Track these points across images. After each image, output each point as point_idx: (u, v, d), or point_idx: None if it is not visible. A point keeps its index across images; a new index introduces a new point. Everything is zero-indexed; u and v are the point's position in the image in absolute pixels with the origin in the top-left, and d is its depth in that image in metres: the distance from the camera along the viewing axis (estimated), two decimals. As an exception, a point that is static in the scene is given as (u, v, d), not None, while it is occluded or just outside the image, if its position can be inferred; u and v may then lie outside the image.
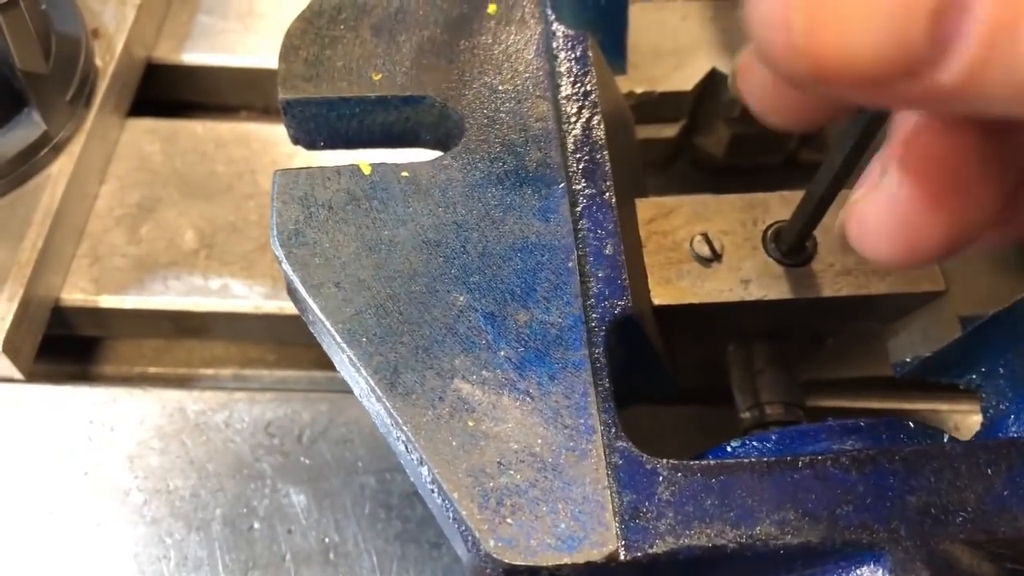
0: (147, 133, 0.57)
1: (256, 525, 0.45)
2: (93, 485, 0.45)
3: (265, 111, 0.63)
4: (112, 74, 0.55)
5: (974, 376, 0.41)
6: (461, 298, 0.35)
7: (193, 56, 0.60)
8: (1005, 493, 0.33)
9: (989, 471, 0.33)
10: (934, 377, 0.42)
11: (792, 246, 0.40)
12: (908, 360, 0.42)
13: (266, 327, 0.52)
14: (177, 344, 0.56)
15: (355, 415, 0.48)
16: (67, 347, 0.54)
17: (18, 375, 0.48)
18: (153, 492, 0.45)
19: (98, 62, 0.55)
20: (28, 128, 0.51)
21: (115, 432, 0.47)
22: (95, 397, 0.48)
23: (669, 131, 0.52)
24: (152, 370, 0.55)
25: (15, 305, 0.47)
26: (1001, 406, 0.40)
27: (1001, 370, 0.40)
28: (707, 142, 0.54)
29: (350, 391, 0.46)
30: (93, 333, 0.54)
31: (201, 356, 0.56)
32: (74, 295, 0.51)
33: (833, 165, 0.34)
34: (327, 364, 0.54)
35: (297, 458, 0.46)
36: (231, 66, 0.60)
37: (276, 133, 0.57)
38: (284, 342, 0.55)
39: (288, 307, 0.51)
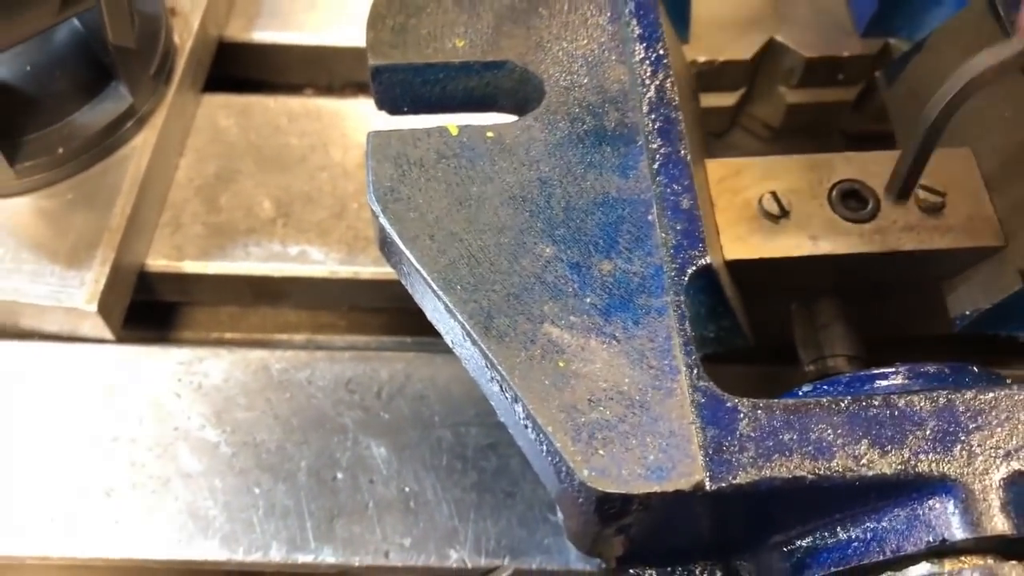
0: (222, 108, 0.59)
1: (339, 476, 0.47)
2: (184, 439, 0.48)
3: (328, 88, 0.65)
4: (189, 51, 0.58)
5: (1032, 329, 0.42)
6: (548, 249, 0.37)
7: (262, 35, 0.63)
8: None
9: (1054, 409, 0.35)
10: (994, 330, 0.43)
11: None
12: (968, 313, 0.43)
13: (341, 292, 0.54)
14: (252, 311, 0.58)
15: (430, 373, 0.50)
16: (148, 314, 0.57)
17: (109, 336, 0.50)
18: (241, 445, 0.48)
19: (176, 40, 0.57)
20: (116, 101, 0.53)
21: (202, 389, 0.49)
22: (182, 356, 0.50)
23: (729, 99, 0.53)
24: (229, 335, 0.58)
25: (107, 269, 0.49)
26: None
27: (1062, 322, 0.41)
28: (764, 111, 0.55)
29: (424, 351, 0.49)
30: (175, 299, 0.57)
31: (275, 322, 0.58)
32: (159, 261, 0.54)
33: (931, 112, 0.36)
34: (396, 329, 0.57)
35: (377, 413, 0.49)
36: (298, 44, 0.63)
37: (344, 108, 0.60)
38: (356, 307, 0.57)
39: (362, 271, 0.54)
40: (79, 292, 0.49)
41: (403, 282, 0.39)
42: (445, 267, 0.36)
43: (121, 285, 0.51)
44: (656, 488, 0.32)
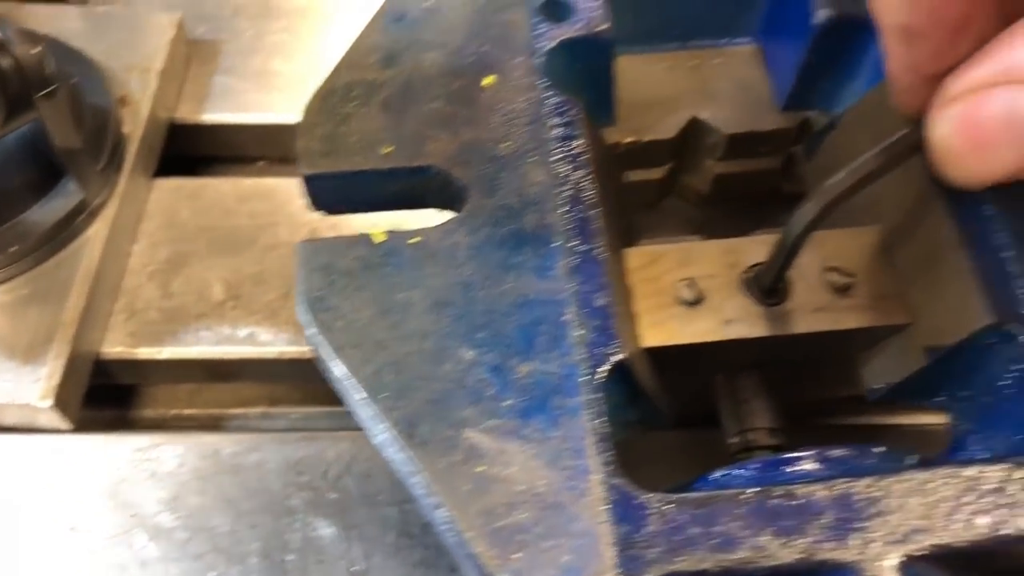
0: (174, 192, 0.61)
1: (290, 557, 0.49)
2: (140, 526, 0.50)
3: (282, 160, 0.67)
4: (140, 139, 0.60)
5: (941, 399, 0.45)
6: (469, 353, 0.39)
7: (213, 115, 0.65)
8: (956, 514, 0.36)
9: (951, 494, 0.37)
10: (904, 400, 0.46)
11: (768, 288, 0.44)
12: (880, 387, 0.46)
13: (291, 369, 0.56)
14: (209, 387, 0.60)
15: (375, 452, 0.51)
16: (108, 394, 0.58)
17: (66, 426, 0.52)
18: (195, 530, 0.49)
19: (126, 129, 0.59)
20: (66, 197, 0.55)
21: (156, 476, 0.51)
22: (137, 443, 0.52)
23: (656, 174, 0.55)
24: (187, 412, 0.60)
25: (63, 363, 0.51)
26: (965, 426, 0.43)
27: (964, 394, 0.43)
28: (694, 181, 0.57)
29: (371, 429, 0.50)
30: (132, 382, 0.58)
31: (232, 397, 0.60)
32: (114, 348, 0.55)
33: (792, 230, 0.38)
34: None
35: (324, 493, 0.51)
36: (249, 123, 0.65)
37: (295, 186, 0.61)
38: (309, 381, 0.59)
39: (302, 354, 0.56)
40: (34, 388, 0.50)
41: (335, 388, 0.40)
42: (370, 376, 0.38)
43: (77, 376, 0.53)
44: (569, 587, 0.35)
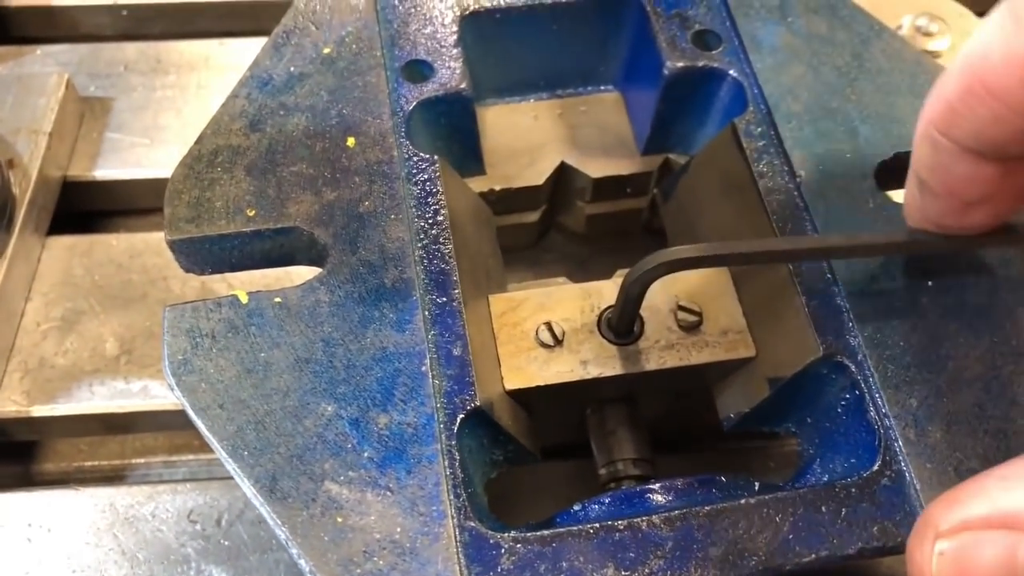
0: (66, 250, 0.62)
1: (183, 606, 0.51)
2: (35, 582, 0.51)
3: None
4: (29, 199, 0.61)
5: (789, 425, 0.48)
6: (329, 408, 0.41)
7: (105, 172, 0.66)
8: (790, 536, 0.39)
9: (777, 519, 0.40)
10: (756, 427, 0.48)
11: (619, 330, 0.46)
12: (732, 415, 0.48)
13: (186, 420, 0.58)
14: (110, 439, 0.62)
15: (268, 496, 0.53)
16: (8, 450, 0.60)
17: (-46, 491, 0.53)
18: (89, 586, 0.51)
19: (15, 190, 0.61)
20: (-45, 258, 0.57)
21: (52, 532, 0.52)
22: (32, 501, 0.53)
23: (532, 216, 0.58)
24: (88, 464, 0.61)
25: (-48, 426, 0.53)
26: (810, 450, 0.46)
27: (808, 420, 0.47)
28: (569, 220, 0.60)
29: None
30: (30, 439, 0.60)
31: (132, 447, 0.62)
32: (7, 407, 0.57)
33: (630, 296, 0.42)
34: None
35: (218, 540, 0.52)
36: (141, 178, 0.66)
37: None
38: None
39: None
40: (-74, 451, 0.52)
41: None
42: (233, 434, 0.40)
43: (-33, 438, 0.54)
44: (422, 629, 0.37)
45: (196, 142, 0.48)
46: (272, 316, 0.43)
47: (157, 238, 0.63)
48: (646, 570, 0.38)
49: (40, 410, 0.57)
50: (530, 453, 0.47)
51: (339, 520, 0.39)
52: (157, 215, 0.68)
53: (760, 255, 0.43)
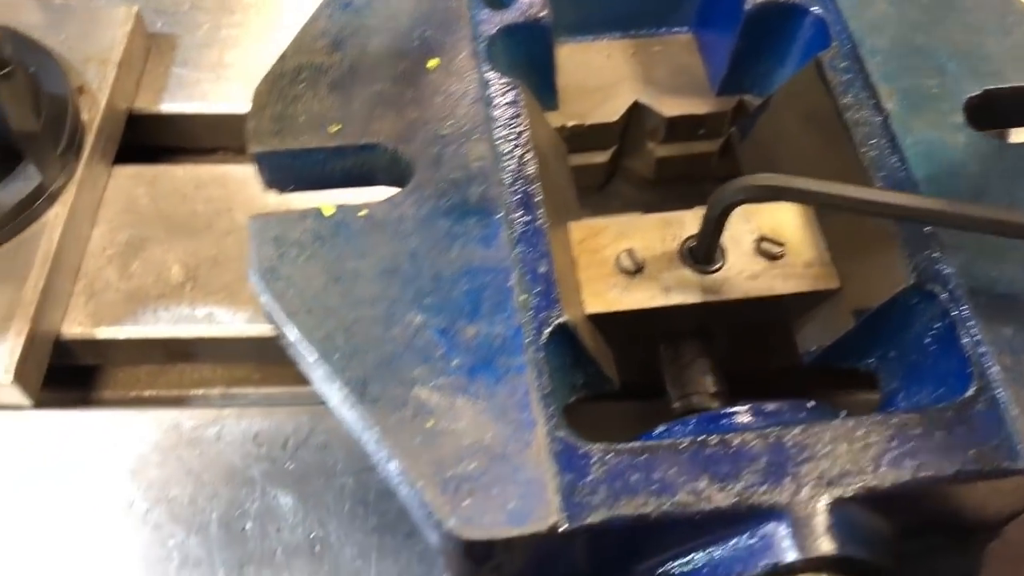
0: (132, 178, 0.62)
1: (248, 525, 0.50)
2: (100, 498, 0.51)
3: (239, 151, 0.68)
4: (97, 127, 0.61)
5: (871, 360, 0.47)
6: (417, 317, 0.41)
7: (170, 105, 0.66)
8: (886, 457, 0.39)
9: (871, 440, 0.39)
10: (836, 363, 0.48)
11: (703, 258, 0.46)
12: (813, 349, 0.48)
13: (249, 349, 0.58)
14: (169, 368, 0.62)
15: (332, 424, 0.53)
16: (69, 376, 0.60)
17: (27, 403, 0.53)
18: (154, 501, 0.51)
19: (84, 117, 0.61)
20: (25, 181, 0.56)
21: (117, 449, 0.52)
22: (97, 419, 0.53)
23: (601, 157, 0.58)
24: (147, 393, 0.61)
25: (22, 340, 0.52)
26: (892, 385, 0.46)
27: (891, 354, 0.46)
28: (637, 164, 0.60)
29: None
30: (92, 362, 0.60)
31: (191, 378, 0.62)
32: (73, 329, 0.57)
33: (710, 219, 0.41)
34: (306, 380, 0.60)
35: (283, 464, 0.52)
36: (205, 113, 0.66)
37: (250, 173, 0.63)
38: (267, 361, 0.61)
39: (269, 330, 0.57)
40: (-4, 365, 0.52)
41: (289, 352, 0.42)
42: (322, 339, 0.40)
43: (37, 354, 0.54)
44: (516, 532, 0.36)
45: (278, 60, 0.48)
46: (358, 228, 0.43)
47: (222, 170, 0.63)
48: (740, 484, 0.38)
49: (104, 332, 0.57)
50: (609, 380, 0.46)
51: (429, 424, 0.38)
52: (220, 153, 0.68)
53: (847, 201, 0.42)
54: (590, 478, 0.38)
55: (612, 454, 0.38)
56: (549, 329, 0.41)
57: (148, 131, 0.66)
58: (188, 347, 0.58)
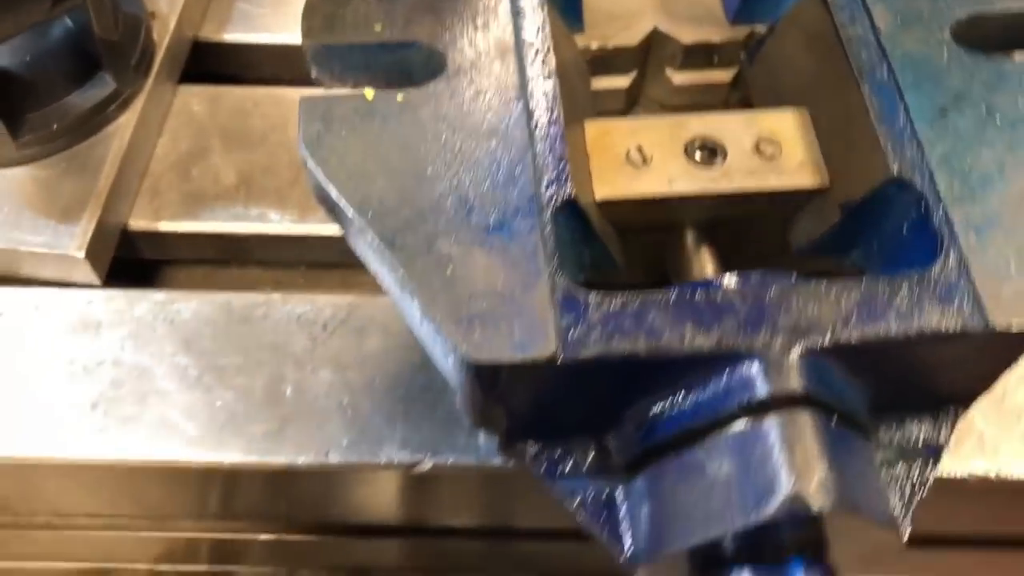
0: (195, 96, 0.69)
1: (289, 391, 0.56)
2: (159, 364, 0.56)
3: (291, 82, 0.74)
4: (166, 48, 0.67)
5: (855, 252, 0.52)
6: (443, 184, 0.46)
7: (233, 35, 0.72)
8: (855, 312, 0.43)
9: (843, 298, 0.44)
10: (824, 255, 0.52)
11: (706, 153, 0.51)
12: (804, 244, 0.52)
13: (295, 247, 0.64)
14: (222, 271, 0.67)
15: (369, 311, 0.59)
16: (130, 272, 0.66)
17: (97, 281, 0.60)
18: (205, 368, 0.56)
19: (155, 38, 0.67)
20: (102, 87, 0.63)
21: (175, 324, 0.58)
22: (158, 298, 0.59)
23: (622, 81, 0.63)
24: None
25: (94, 224, 0.59)
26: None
27: (873, 244, 0.50)
28: (656, 92, 0.65)
29: (366, 294, 0.58)
30: (153, 256, 0.66)
31: (242, 281, 0.67)
32: (139, 221, 0.63)
33: None
34: (350, 286, 0.66)
35: (322, 342, 0.58)
36: (265, 43, 0.72)
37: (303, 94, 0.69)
38: (312, 265, 0.66)
39: (314, 230, 0.63)
40: (71, 242, 0.58)
41: (331, 217, 0.48)
42: (360, 198, 0.45)
43: (106, 238, 0.60)
44: (519, 358, 0.42)
45: (331, -29, 0.54)
46: (395, 110, 0.48)
47: (279, 91, 0.69)
48: (721, 331, 0.43)
49: (166, 226, 0.63)
50: (615, 261, 0.51)
51: (449, 271, 0.44)
52: (276, 84, 0.74)
53: None
54: (587, 320, 0.43)
55: (607, 302, 0.43)
56: (559, 202, 0.46)
57: (211, 59, 0.73)
58: (241, 244, 0.63)
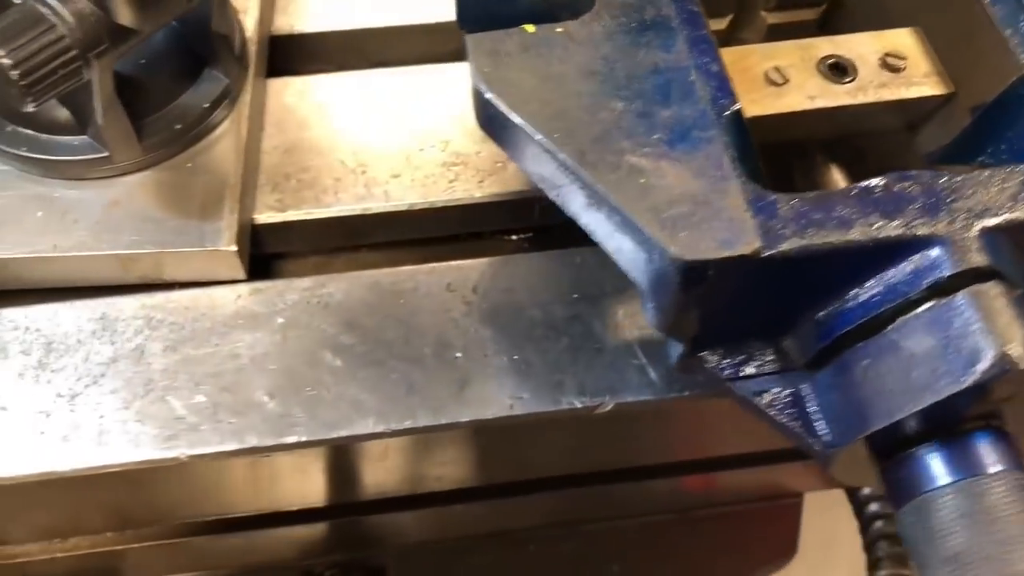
0: (285, 88, 0.70)
1: (459, 355, 0.57)
2: (325, 346, 0.57)
3: (373, 66, 0.75)
4: (257, 40, 0.68)
5: (988, 155, 0.54)
6: (619, 105, 0.48)
7: (303, 26, 0.73)
8: (1020, 197, 0.46)
9: (1006, 185, 0.46)
10: (954, 161, 0.55)
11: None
12: (934, 150, 0.55)
13: (418, 223, 0.65)
14: (335, 258, 0.68)
15: (511, 270, 0.60)
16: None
17: (243, 275, 0.60)
18: (373, 343, 0.57)
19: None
20: (213, 83, 0.64)
21: (329, 307, 0.59)
22: (305, 284, 0.60)
23: (720, 24, 0.65)
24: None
25: (236, 217, 0.59)
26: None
27: (1003, 146, 0.53)
28: (749, 35, 0.67)
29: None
30: (280, 249, 0.65)
31: (356, 265, 0.68)
32: (265, 215, 0.63)
33: None
34: (466, 255, 0.66)
35: (477, 305, 0.59)
36: (338, 30, 0.73)
37: (393, 82, 0.70)
38: (418, 242, 0.66)
39: (436, 201, 0.64)
40: (220, 237, 0.59)
41: (503, 147, 0.49)
42: (543, 122, 0.47)
43: (245, 233, 0.61)
44: (727, 254, 0.43)
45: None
46: (557, 41, 0.50)
47: (364, 76, 0.70)
48: (905, 218, 0.45)
49: (294, 215, 0.64)
50: (762, 178, 0.53)
51: (642, 181, 0.45)
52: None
53: None
54: (781, 218, 0.45)
55: (796, 200, 0.45)
56: (727, 113, 0.48)
57: (286, 51, 0.73)
58: (369, 223, 0.64)
